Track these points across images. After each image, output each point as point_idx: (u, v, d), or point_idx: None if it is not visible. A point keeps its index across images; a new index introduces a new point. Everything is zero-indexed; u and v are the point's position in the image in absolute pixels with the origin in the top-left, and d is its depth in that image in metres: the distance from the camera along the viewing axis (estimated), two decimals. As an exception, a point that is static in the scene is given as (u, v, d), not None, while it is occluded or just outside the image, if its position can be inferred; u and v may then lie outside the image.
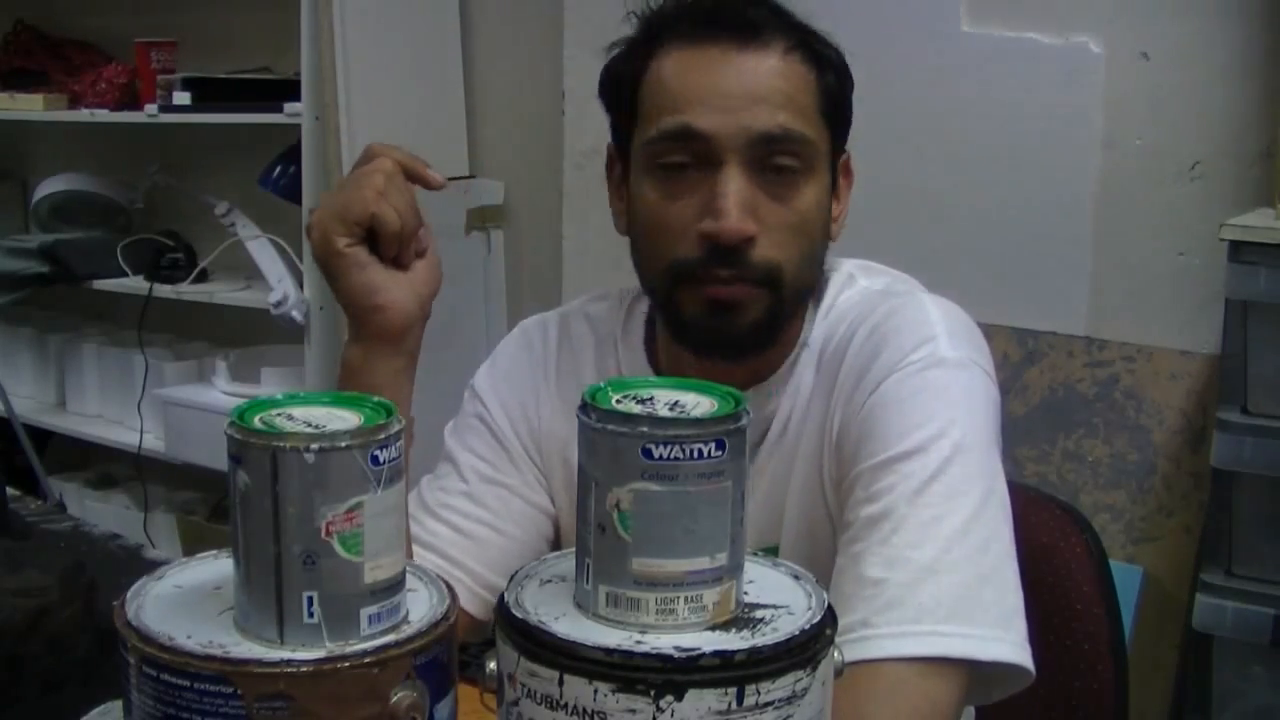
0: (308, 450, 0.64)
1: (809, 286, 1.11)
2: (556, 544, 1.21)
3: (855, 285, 1.14)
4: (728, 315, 1.05)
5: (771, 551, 1.08)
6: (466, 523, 1.17)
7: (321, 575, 0.65)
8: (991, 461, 1.00)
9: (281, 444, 0.64)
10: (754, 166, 1.03)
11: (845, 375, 1.06)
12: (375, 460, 0.65)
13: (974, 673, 0.92)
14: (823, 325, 1.12)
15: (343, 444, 0.65)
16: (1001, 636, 0.93)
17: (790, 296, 1.07)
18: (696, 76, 1.04)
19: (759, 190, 1.04)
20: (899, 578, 0.93)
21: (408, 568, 0.71)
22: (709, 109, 1.03)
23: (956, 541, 0.94)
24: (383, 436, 0.66)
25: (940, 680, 0.91)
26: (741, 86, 1.03)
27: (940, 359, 1.02)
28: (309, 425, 0.66)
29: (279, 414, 0.68)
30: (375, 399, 0.70)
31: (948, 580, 0.93)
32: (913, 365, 1.02)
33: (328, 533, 0.65)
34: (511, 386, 1.22)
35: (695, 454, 0.63)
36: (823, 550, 1.05)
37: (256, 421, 0.66)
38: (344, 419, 0.68)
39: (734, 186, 1.02)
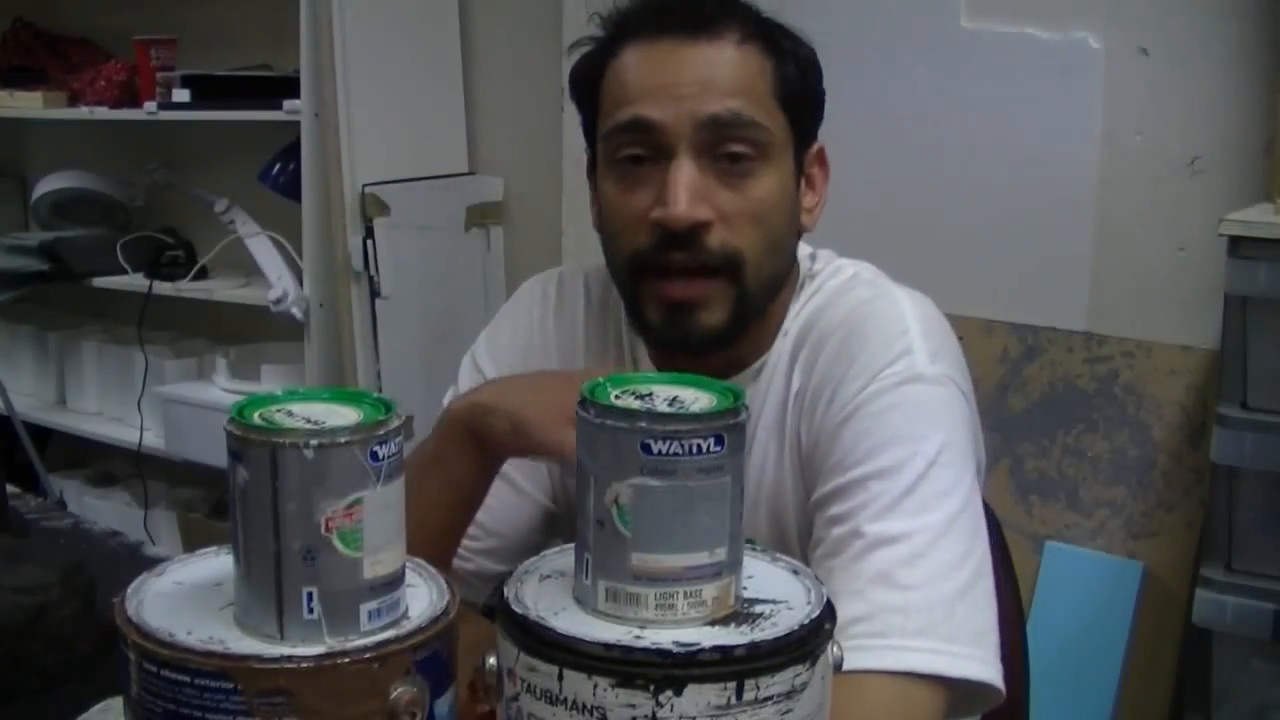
0: (307, 446, 0.64)
1: (777, 277, 1.10)
2: (551, 522, 1.21)
3: (833, 278, 1.13)
4: (690, 315, 1.05)
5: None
6: None
7: (321, 571, 0.65)
8: (964, 479, 0.99)
9: (281, 440, 0.64)
10: (706, 155, 1.04)
11: (819, 378, 1.06)
12: (375, 456, 0.65)
13: (944, 687, 0.91)
14: (798, 320, 1.11)
15: (342, 440, 0.65)
16: (972, 654, 0.92)
17: (755, 287, 1.06)
18: (649, 69, 1.05)
19: (713, 178, 1.04)
20: (869, 593, 0.93)
21: (407, 564, 0.71)
22: (659, 99, 1.04)
23: (927, 557, 0.94)
24: (382, 433, 0.66)
25: (907, 693, 0.90)
26: (692, 75, 1.04)
27: (917, 374, 1.02)
28: (308, 421, 0.66)
29: (278, 410, 0.68)
30: (375, 395, 0.70)
31: (919, 596, 0.92)
32: (889, 378, 1.01)
33: (327, 529, 0.65)
34: (511, 353, 1.22)
35: (694, 449, 0.63)
36: (793, 542, 1.05)
37: (256, 418, 0.67)
38: (343, 415, 0.68)
39: (684, 174, 1.03)
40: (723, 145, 1.04)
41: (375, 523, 0.66)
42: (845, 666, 0.88)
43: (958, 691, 0.92)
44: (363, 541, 0.66)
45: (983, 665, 0.92)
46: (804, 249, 1.17)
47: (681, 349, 1.08)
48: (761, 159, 1.05)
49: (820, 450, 1.03)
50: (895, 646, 0.90)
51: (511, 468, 1.18)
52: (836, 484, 0.99)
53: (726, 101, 1.04)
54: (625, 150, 1.06)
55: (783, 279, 1.11)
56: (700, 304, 1.05)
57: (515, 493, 1.19)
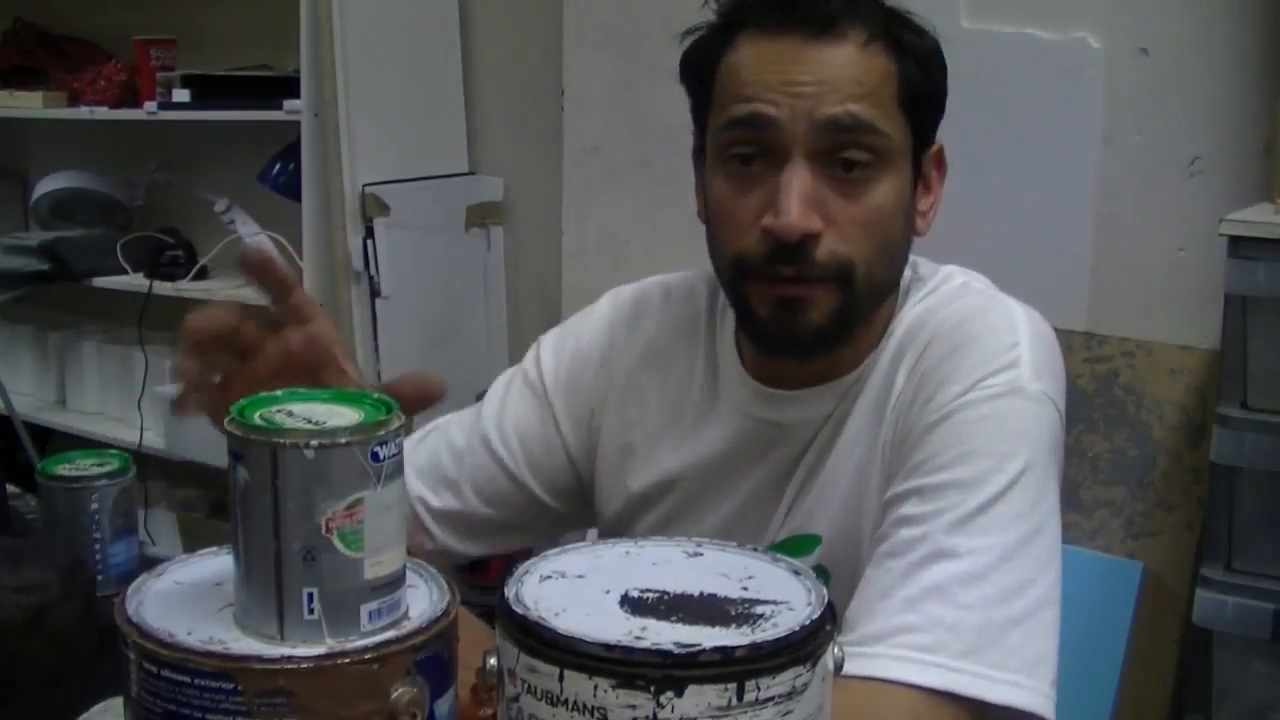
0: (308, 447, 0.64)
1: (888, 283, 1.08)
2: (540, 515, 1.22)
3: (945, 284, 1.12)
4: (797, 313, 1.04)
5: (812, 541, 1.08)
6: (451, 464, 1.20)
7: (322, 571, 0.65)
8: (1042, 504, 0.98)
9: (282, 440, 0.64)
10: (822, 161, 1.01)
11: (920, 379, 1.04)
12: (375, 457, 0.66)
13: (986, 712, 0.91)
14: (903, 323, 1.09)
15: (343, 440, 0.65)
16: (1020, 682, 0.91)
17: (864, 293, 1.04)
18: (769, 66, 1.02)
19: (827, 186, 1.01)
20: (923, 604, 0.92)
21: (408, 565, 0.71)
22: (778, 96, 1.01)
23: (989, 578, 0.93)
24: (383, 433, 0.66)
25: (945, 713, 0.90)
26: (813, 75, 1.01)
27: (1019, 388, 1.00)
28: (309, 422, 0.67)
29: (279, 410, 0.68)
30: (376, 395, 0.70)
31: (973, 616, 0.91)
32: (991, 388, 1.00)
33: (328, 529, 0.65)
34: (580, 365, 1.21)
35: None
36: (864, 545, 1.04)
37: (256, 418, 0.67)
38: (344, 415, 0.68)
39: (798, 181, 1.00)
40: (841, 150, 1.01)
41: (376, 523, 0.66)
42: (885, 673, 0.89)
43: (997, 717, 0.91)
44: (363, 542, 0.66)
45: (1026, 693, 0.91)
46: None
47: (787, 346, 1.07)
48: (880, 165, 1.02)
49: (906, 447, 1.02)
50: (939, 664, 0.90)
51: (509, 451, 1.19)
52: (914, 484, 0.98)
53: (848, 105, 1.00)
54: (737, 148, 1.04)
55: (893, 284, 1.09)
56: (808, 303, 1.04)
57: (505, 475, 1.20)
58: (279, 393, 0.70)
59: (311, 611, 0.65)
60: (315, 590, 0.65)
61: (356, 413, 0.68)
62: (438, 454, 1.20)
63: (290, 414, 0.68)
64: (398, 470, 0.67)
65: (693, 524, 1.14)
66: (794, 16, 1.03)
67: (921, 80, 1.05)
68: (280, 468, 0.64)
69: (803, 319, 1.04)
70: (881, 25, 1.04)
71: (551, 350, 1.23)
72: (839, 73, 1.01)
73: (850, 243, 1.02)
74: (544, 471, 1.21)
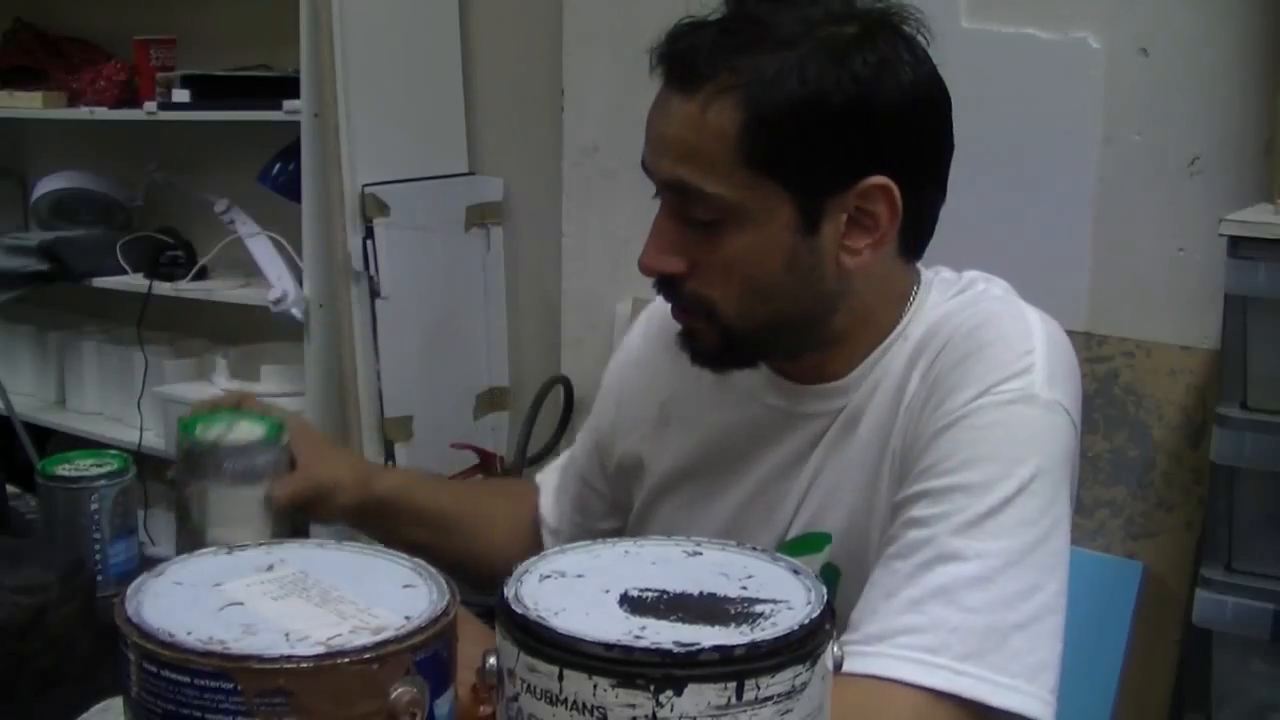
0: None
1: (778, 318, 1.07)
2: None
3: (968, 289, 1.13)
4: (691, 338, 1.10)
5: (823, 539, 1.09)
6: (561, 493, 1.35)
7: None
8: (1051, 511, 0.98)
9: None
10: (681, 210, 1.04)
11: (932, 382, 1.04)
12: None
13: (986, 715, 0.91)
14: (920, 326, 1.09)
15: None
16: (1021, 687, 0.91)
17: (741, 328, 1.06)
18: (652, 112, 1.06)
19: (688, 231, 1.04)
20: (929, 605, 0.92)
21: (411, 565, 0.71)
22: (650, 146, 1.06)
23: (994, 582, 0.93)
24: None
25: (946, 714, 0.90)
26: (659, 132, 1.05)
27: (1031, 395, 1.00)
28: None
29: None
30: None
31: (977, 620, 0.92)
32: (1003, 394, 1.00)
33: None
34: (616, 373, 1.31)
35: None
36: (873, 545, 1.05)
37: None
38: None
39: (658, 225, 1.06)
40: (684, 207, 1.04)
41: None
42: (883, 672, 0.90)
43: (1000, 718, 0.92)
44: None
45: (1026, 699, 0.91)
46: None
47: (698, 363, 1.13)
48: (730, 219, 1.02)
49: (916, 450, 1.02)
50: (942, 665, 0.90)
51: (595, 477, 1.32)
52: (923, 488, 0.99)
53: (676, 168, 1.03)
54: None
55: (792, 317, 1.07)
56: (694, 331, 1.10)
57: (593, 493, 1.33)
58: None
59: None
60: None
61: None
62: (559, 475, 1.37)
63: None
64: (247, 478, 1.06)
65: (709, 509, 1.17)
66: (665, 63, 1.05)
67: (783, 136, 1.00)
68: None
69: (696, 344, 1.11)
70: (744, 76, 1.00)
71: (613, 370, 1.33)
72: (677, 132, 1.03)
73: (710, 284, 1.05)
74: (610, 477, 1.31)
